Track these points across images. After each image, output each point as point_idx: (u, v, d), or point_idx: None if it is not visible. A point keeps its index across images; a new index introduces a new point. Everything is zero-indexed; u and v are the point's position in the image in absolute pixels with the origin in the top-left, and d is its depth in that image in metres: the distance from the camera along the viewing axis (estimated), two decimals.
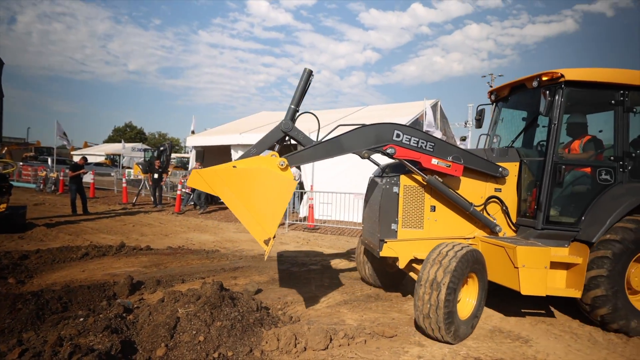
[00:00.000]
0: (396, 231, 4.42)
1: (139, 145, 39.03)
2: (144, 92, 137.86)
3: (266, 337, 3.54)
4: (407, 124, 10.84)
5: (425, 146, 4.29)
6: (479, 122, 5.92)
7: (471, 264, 3.88)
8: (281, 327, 3.76)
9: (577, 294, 4.13)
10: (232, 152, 14.58)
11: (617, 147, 4.46)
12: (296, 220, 11.53)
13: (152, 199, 14.30)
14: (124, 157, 33.75)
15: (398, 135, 4.23)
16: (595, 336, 4.12)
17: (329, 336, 3.60)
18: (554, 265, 4.24)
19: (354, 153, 4.34)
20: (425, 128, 11.86)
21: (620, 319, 4.07)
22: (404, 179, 4.45)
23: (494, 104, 5.71)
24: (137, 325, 3.57)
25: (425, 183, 4.41)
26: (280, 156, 3.96)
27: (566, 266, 4.31)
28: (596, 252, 4.11)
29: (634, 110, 4.44)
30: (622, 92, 4.42)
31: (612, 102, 4.48)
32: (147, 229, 10.11)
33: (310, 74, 4.25)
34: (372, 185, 4.91)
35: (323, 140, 4.22)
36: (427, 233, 4.50)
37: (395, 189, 4.42)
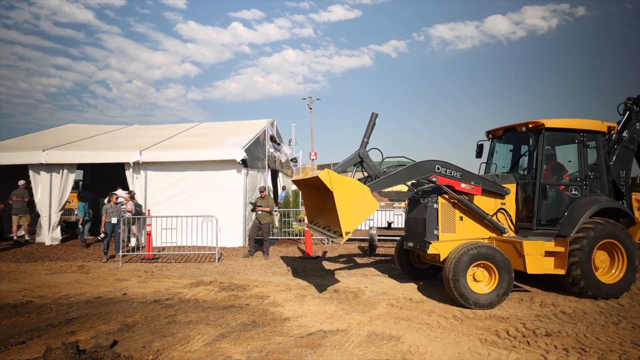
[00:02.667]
0: (438, 235, 6.24)
1: None
2: None
3: None
4: (250, 142, 11.76)
5: (456, 175, 6.20)
6: (479, 154, 7.87)
7: (478, 256, 5.69)
8: None
9: (562, 272, 6.02)
10: (31, 173, 11.11)
11: (581, 171, 6.55)
12: (127, 252, 9.53)
13: None
14: None
15: (438, 168, 6.14)
16: (442, 323, 4.94)
17: None
18: (546, 253, 6.11)
19: (413, 180, 6.37)
20: (267, 146, 12.40)
21: (591, 289, 5.96)
22: (440, 199, 6.35)
23: (490, 140, 7.73)
24: None
25: (454, 200, 6.29)
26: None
27: (553, 254, 6.16)
28: (573, 246, 5.95)
29: (589, 146, 6.56)
30: (581, 134, 6.55)
31: (576, 141, 6.59)
32: None
33: (376, 116, 6.45)
34: (413, 204, 6.80)
35: (390, 174, 6.10)
36: (458, 236, 6.34)
37: (435, 206, 6.29)
